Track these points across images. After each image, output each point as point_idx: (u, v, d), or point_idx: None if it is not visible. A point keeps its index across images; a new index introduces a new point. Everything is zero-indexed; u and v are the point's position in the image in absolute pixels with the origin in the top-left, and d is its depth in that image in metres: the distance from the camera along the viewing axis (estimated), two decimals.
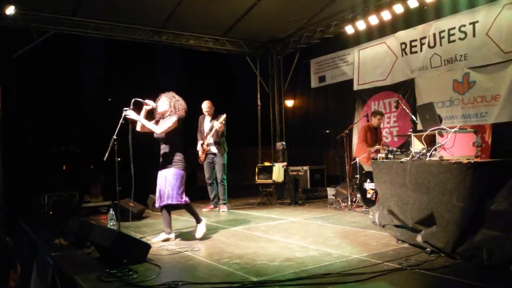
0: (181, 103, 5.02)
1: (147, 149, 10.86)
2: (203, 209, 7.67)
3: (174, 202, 4.88)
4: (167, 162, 4.91)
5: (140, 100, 4.90)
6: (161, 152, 4.98)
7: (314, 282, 3.25)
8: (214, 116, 7.44)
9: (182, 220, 6.69)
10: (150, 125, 4.90)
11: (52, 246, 4.87)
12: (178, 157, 4.94)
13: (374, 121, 7.42)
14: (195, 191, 9.22)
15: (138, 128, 4.97)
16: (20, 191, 8.02)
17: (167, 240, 4.99)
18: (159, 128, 4.86)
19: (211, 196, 7.80)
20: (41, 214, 7.64)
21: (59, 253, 4.49)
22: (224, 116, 7.06)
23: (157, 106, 4.99)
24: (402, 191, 4.46)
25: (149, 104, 4.94)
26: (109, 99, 11.54)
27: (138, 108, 4.91)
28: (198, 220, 5.13)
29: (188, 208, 5.06)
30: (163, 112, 4.97)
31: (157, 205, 5.01)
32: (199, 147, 7.54)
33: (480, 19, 7.07)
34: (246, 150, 12.54)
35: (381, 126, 8.01)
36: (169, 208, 5.04)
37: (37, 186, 8.21)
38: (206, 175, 7.68)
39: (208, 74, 11.63)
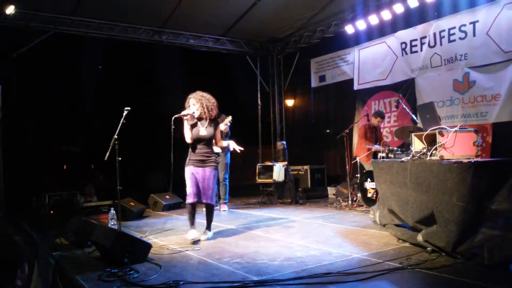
0: (211, 102, 5.03)
1: (145, 151, 10.87)
2: (203, 209, 7.60)
3: (213, 203, 5.02)
4: (209, 161, 4.99)
5: (179, 115, 4.93)
6: (202, 150, 4.98)
7: (315, 282, 3.26)
8: (218, 117, 7.38)
9: (182, 220, 6.69)
10: (223, 141, 5.32)
11: (53, 246, 4.88)
12: (214, 157, 5.10)
13: (375, 121, 7.43)
14: None
15: (188, 140, 4.97)
16: (21, 190, 8.02)
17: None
18: (221, 142, 5.27)
19: None
20: (41, 214, 7.64)
21: (60, 253, 4.50)
22: (229, 118, 7.03)
23: (192, 112, 4.97)
24: (403, 191, 4.46)
25: (187, 114, 4.93)
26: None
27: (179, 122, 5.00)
28: (210, 227, 5.14)
29: (212, 210, 5.11)
30: (199, 116, 4.99)
31: (192, 201, 4.90)
32: None
33: (480, 18, 7.07)
34: (247, 149, 12.53)
35: (381, 125, 8.02)
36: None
37: (38, 185, 8.21)
38: None
39: (208, 74, 11.62)
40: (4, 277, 1.69)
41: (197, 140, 4.98)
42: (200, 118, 5.01)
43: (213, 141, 5.11)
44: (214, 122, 5.08)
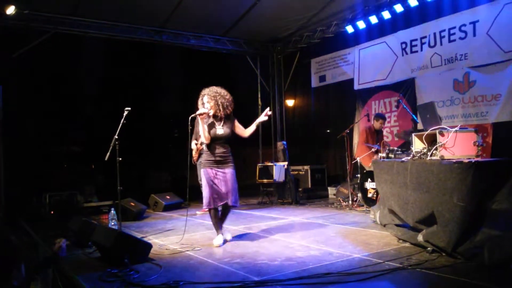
0: (226, 98, 4.75)
1: (146, 151, 10.87)
2: (197, 212, 7.45)
3: (237, 205, 4.78)
4: (228, 161, 4.76)
5: (195, 114, 4.68)
6: (220, 149, 4.74)
7: (315, 282, 3.26)
8: None
9: (182, 220, 6.69)
10: (247, 129, 4.95)
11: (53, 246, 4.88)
12: (231, 157, 4.86)
13: (376, 124, 7.39)
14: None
15: (206, 141, 4.70)
16: (21, 190, 8.02)
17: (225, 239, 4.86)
18: (246, 132, 4.94)
19: None
20: (42, 214, 7.64)
21: None
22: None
23: (208, 109, 4.71)
24: (403, 191, 4.46)
25: (203, 113, 4.69)
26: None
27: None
28: (221, 228, 4.89)
29: (229, 212, 4.90)
30: (213, 114, 4.73)
31: (212, 206, 4.70)
32: (193, 147, 7.30)
33: (481, 18, 7.07)
34: (247, 149, 12.53)
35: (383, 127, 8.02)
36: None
37: (38, 185, 8.21)
38: (200, 176, 7.41)
39: (208, 74, 11.61)
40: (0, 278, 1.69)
41: (214, 140, 4.73)
42: (215, 116, 4.74)
43: (229, 140, 4.83)
44: (230, 119, 4.82)
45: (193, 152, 7.31)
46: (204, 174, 4.74)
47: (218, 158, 4.73)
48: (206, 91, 4.77)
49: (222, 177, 4.71)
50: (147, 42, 9.71)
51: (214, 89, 4.77)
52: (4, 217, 7.06)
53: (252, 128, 4.99)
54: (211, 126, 4.73)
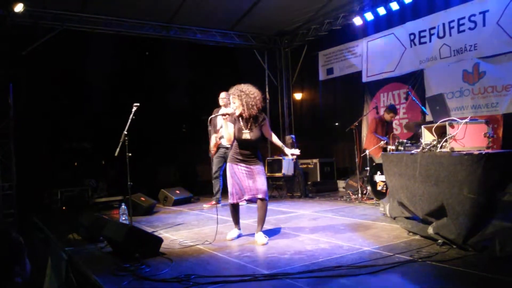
0: (252, 97, 4.45)
1: (155, 146, 10.93)
2: (204, 205, 7.57)
3: (267, 198, 4.59)
4: (255, 158, 4.58)
5: (216, 115, 4.50)
6: (246, 152, 4.56)
7: (325, 275, 3.26)
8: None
9: (192, 214, 6.75)
10: (274, 139, 4.77)
11: (65, 241, 4.95)
12: (258, 158, 4.67)
13: (387, 116, 7.34)
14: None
15: (224, 142, 4.53)
16: (33, 187, 8.12)
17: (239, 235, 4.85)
18: (273, 139, 4.75)
19: (215, 191, 7.50)
20: (54, 210, 7.73)
21: (72, 248, 4.57)
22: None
23: (233, 110, 4.53)
24: (412, 183, 4.44)
25: (226, 114, 4.50)
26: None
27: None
28: (262, 227, 4.67)
29: (264, 207, 4.61)
30: (239, 114, 4.51)
31: (233, 201, 4.61)
32: (212, 140, 7.21)
33: (491, 8, 6.98)
34: None
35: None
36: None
37: (50, 182, 8.31)
38: (214, 169, 7.39)
39: (216, 69, 11.60)
40: (1, 274, 1.69)
41: (242, 142, 4.55)
42: (241, 117, 4.51)
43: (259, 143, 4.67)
44: (259, 120, 4.54)
45: (211, 145, 7.22)
46: (228, 169, 4.62)
47: (241, 158, 4.57)
48: (231, 90, 4.54)
49: (248, 171, 4.55)
50: (155, 38, 9.73)
51: (240, 87, 4.51)
52: (17, 213, 7.16)
53: (277, 142, 4.84)
54: (238, 129, 4.51)
